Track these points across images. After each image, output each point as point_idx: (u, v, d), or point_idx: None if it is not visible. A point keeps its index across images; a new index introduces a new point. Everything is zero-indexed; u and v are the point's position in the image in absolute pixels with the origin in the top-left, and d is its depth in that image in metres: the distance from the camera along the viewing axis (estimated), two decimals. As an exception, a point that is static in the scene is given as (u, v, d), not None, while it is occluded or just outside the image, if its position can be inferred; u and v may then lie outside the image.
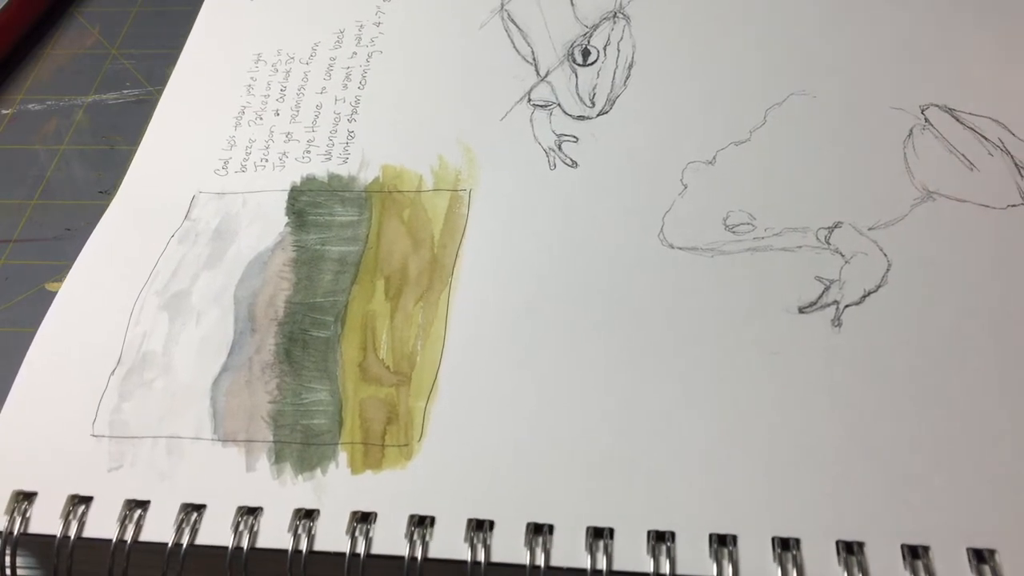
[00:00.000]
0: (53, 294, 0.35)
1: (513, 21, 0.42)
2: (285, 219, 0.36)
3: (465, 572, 0.27)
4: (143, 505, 0.29)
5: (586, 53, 0.40)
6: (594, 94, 0.39)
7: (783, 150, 0.36)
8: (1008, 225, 0.33)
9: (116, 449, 0.31)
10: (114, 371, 0.32)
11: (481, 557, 0.27)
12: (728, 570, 0.27)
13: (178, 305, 0.34)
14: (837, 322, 0.32)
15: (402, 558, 0.28)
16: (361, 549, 0.28)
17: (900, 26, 0.40)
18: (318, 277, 0.34)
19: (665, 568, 0.27)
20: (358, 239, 0.35)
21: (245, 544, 0.28)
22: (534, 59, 0.41)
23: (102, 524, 0.29)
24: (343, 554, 0.28)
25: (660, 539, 0.28)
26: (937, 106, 0.37)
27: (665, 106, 0.38)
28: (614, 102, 0.39)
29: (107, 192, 0.38)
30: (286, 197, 0.37)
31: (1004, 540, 0.27)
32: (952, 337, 0.31)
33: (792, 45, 0.40)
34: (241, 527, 0.29)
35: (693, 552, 0.27)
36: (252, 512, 0.29)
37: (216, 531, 0.29)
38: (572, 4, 0.42)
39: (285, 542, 0.28)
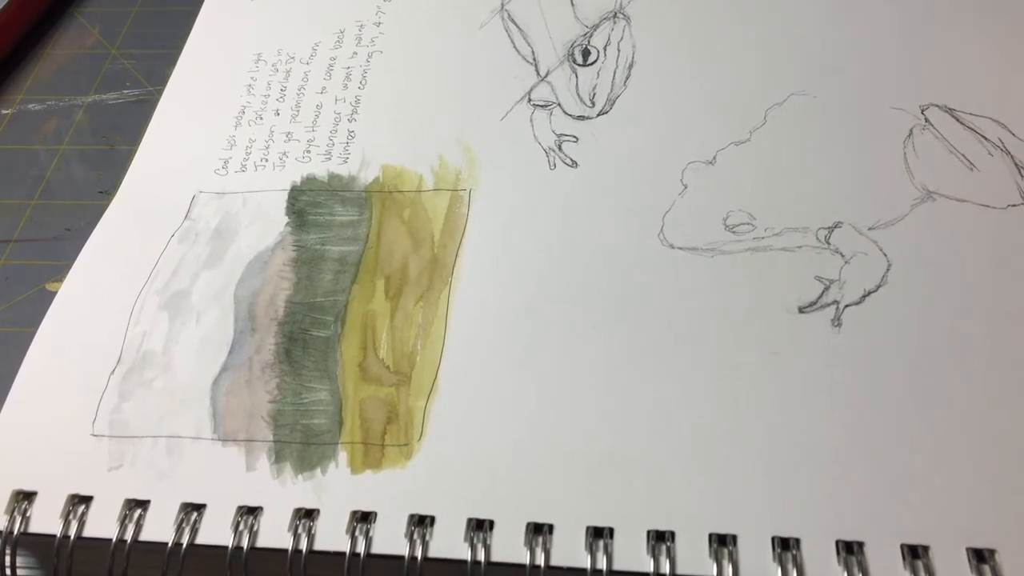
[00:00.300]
0: (53, 294, 0.35)
1: (513, 21, 0.42)
2: (285, 219, 0.36)
3: (465, 572, 0.27)
4: (143, 505, 0.29)
5: (586, 53, 0.40)
6: (594, 94, 0.39)
7: (783, 150, 0.36)
8: (1008, 225, 0.33)
9: (116, 449, 0.31)
10: (114, 371, 0.32)
11: (481, 557, 0.27)
12: (728, 570, 0.27)
13: (178, 305, 0.34)
14: (837, 322, 0.32)
15: (402, 558, 0.28)
16: (361, 549, 0.28)
17: (900, 26, 0.40)
18: (318, 277, 0.34)
19: (665, 568, 0.27)
20: (358, 239, 0.35)
21: (245, 544, 0.28)
22: (534, 59, 0.41)
23: (102, 524, 0.29)
24: (343, 554, 0.28)
25: (660, 539, 0.28)
26: (937, 106, 0.37)
27: (665, 106, 0.38)
28: (614, 102, 0.39)
29: (107, 192, 0.39)
30: (286, 197, 0.37)
31: (1004, 540, 0.27)
32: (952, 337, 0.31)
33: (792, 45, 0.40)
34: (241, 527, 0.29)
35: (693, 552, 0.27)
36: (252, 512, 0.29)
37: (216, 531, 0.29)
38: (572, 4, 0.42)
39: (285, 542, 0.28)
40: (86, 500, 0.30)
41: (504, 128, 0.38)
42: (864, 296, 0.32)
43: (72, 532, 0.29)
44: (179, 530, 0.29)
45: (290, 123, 0.40)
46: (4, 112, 0.45)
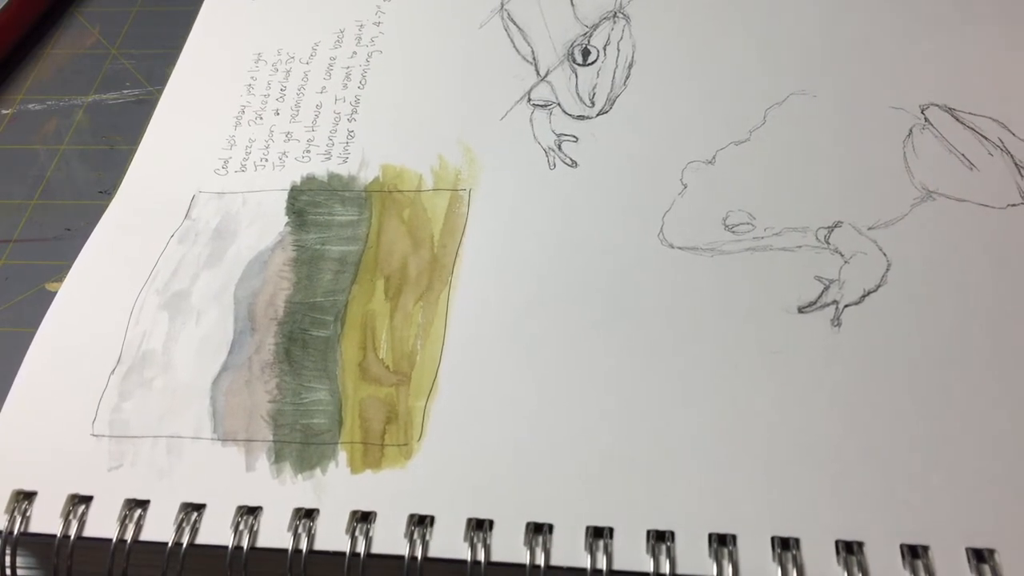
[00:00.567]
0: (53, 294, 0.35)
1: (513, 21, 0.42)
2: (285, 218, 0.36)
3: (465, 572, 0.27)
4: (143, 504, 0.29)
5: (586, 53, 0.40)
6: (594, 94, 0.39)
7: (783, 150, 0.36)
8: (1008, 225, 0.33)
9: (116, 448, 0.31)
10: (114, 370, 0.32)
11: (481, 556, 0.27)
12: (728, 570, 0.27)
13: (178, 304, 0.34)
14: (837, 322, 0.32)
15: (402, 557, 0.28)
16: (361, 548, 0.28)
17: (900, 26, 0.40)
18: (318, 276, 0.34)
19: (665, 568, 0.27)
20: (358, 239, 0.35)
21: (245, 544, 0.28)
22: (534, 59, 0.41)
23: (102, 523, 0.29)
24: (343, 554, 0.28)
25: (660, 539, 0.28)
26: (937, 106, 0.37)
27: (665, 106, 0.38)
28: (614, 102, 0.39)
29: (107, 192, 0.39)
30: (286, 197, 0.37)
31: (1004, 540, 0.27)
32: (952, 337, 0.31)
33: (792, 45, 0.40)
34: (241, 526, 0.29)
35: (693, 552, 0.27)
36: (252, 511, 0.29)
37: (216, 530, 0.29)
38: (572, 4, 0.42)
39: (285, 542, 0.28)
40: (86, 500, 0.30)
41: (504, 128, 0.38)
42: (864, 296, 0.32)
43: (72, 532, 0.29)
44: (179, 530, 0.29)
45: (290, 123, 0.40)
46: (4, 112, 0.45)
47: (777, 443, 0.29)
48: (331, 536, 0.28)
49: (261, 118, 0.40)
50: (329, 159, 0.38)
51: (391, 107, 0.40)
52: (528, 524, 0.28)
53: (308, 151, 0.38)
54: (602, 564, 0.27)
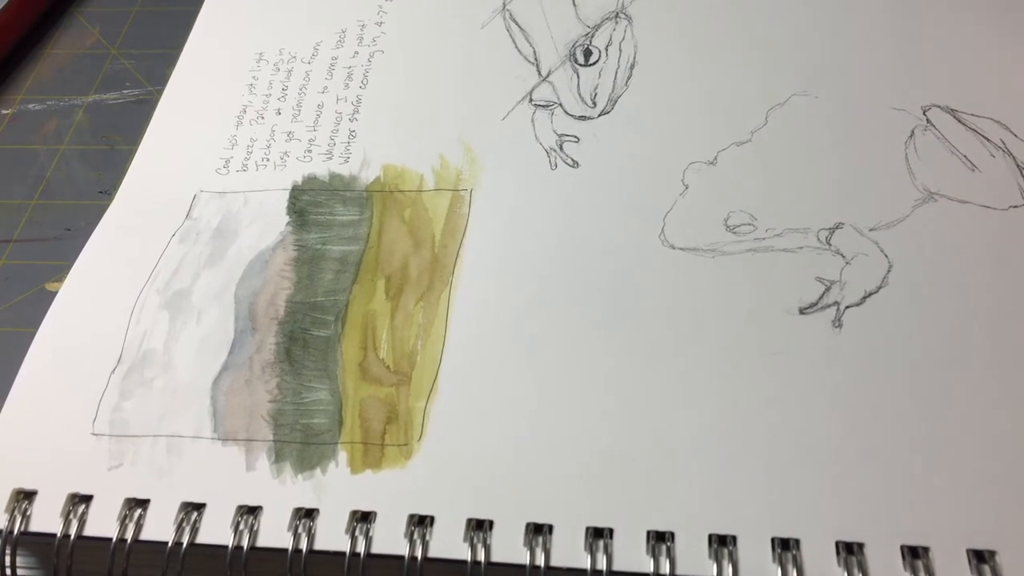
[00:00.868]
0: (53, 294, 0.35)
1: (515, 21, 0.42)
2: (286, 218, 0.36)
3: (465, 572, 0.27)
4: (143, 504, 0.29)
5: (588, 53, 0.40)
6: (595, 94, 0.39)
7: (784, 151, 0.36)
8: (1010, 226, 0.33)
9: (116, 448, 0.31)
10: (114, 370, 0.32)
11: (481, 557, 0.27)
12: (728, 570, 0.27)
13: (179, 304, 0.34)
14: (838, 323, 0.32)
15: (402, 558, 0.28)
16: (361, 548, 0.28)
17: (902, 26, 0.40)
18: (319, 276, 0.34)
19: (665, 568, 0.27)
20: (359, 238, 0.35)
21: (245, 543, 0.28)
22: (536, 59, 0.41)
23: (102, 523, 0.29)
24: (343, 553, 0.28)
25: (660, 539, 0.28)
26: (939, 107, 0.37)
27: (667, 106, 0.38)
28: (616, 102, 0.39)
29: (107, 192, 0.39)
30: (287, 196, 0.37)
31: (1004, 541, 0.27)
32: (953, 338, 0.31)
33: (794, 45, 0.40)
34: (241, 526, 0.29)
35: (693, 552, 0.27)
36: (252, 511, 0.29)
37: (216, 530, 0.29)
38: (574, 4, 0.42)
39: (285, 541, 0.28)
40: (86, 499, 0.30)
41: (505, 128, 0.38)
42: (865, 297, 0.32)
43: (72, 531, 0.29)
44: (179, 529, 0.29)
45: (291, 122, 0.40)
46: (4, 112, 0.45)
47: (778, 444, 0.29)
48: (331, 536, 0.28)
49: (263, 118, 0.40)
50: (330, 159, 0.38)
51: (393, 107, 0.40)
52: (528, 524, 0.28)
53: (309, 151, 0.38)
54: (602, 564, 0.27)
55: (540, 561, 0.27)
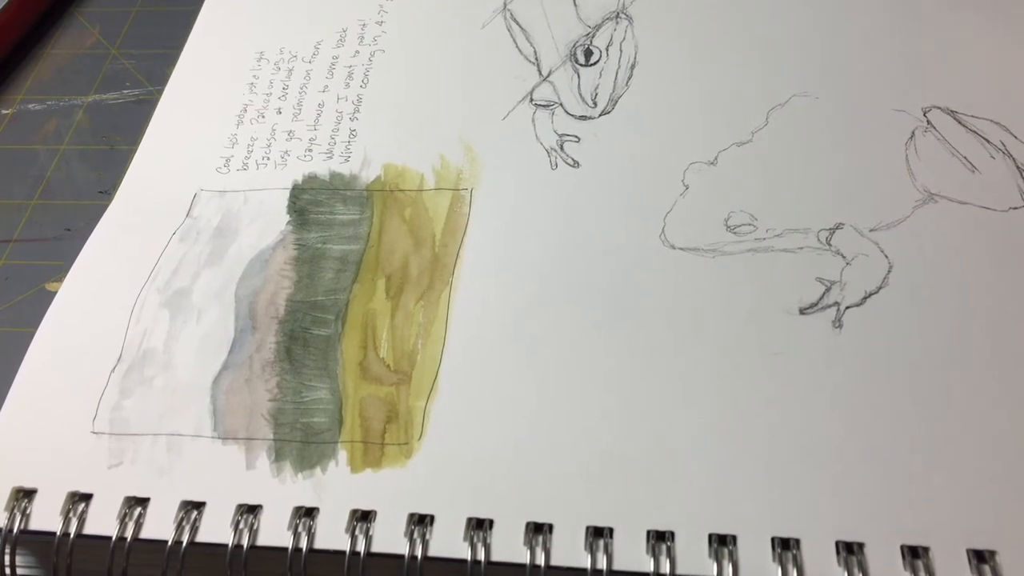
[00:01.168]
0: (53, 294, 0.35)
1: (515, 21, 0.42)
2: (286, 217, 0.36)
3: (465, 571, 0.27)
4: (143, 502, 0.29)
5: (588, 53, 0.40)
6: (596, 94, 0.39)
7: (785, 151, 0.36)
8: (1010, 227, 0.33)
9: (116, 446, 0.31)
10: (114, 368, 0.32)
11: (481, 556, 0.27)
12: (728, 570, 0.27)
13: (179, 303, 0.34)
14: (838, 323, 0.32)
15: (402, 557, 0.28)
16: (361, 547, 0.28)
17: (902, 28, 0.40)
18: (319, 275, 0.34)
19: (665, 568, 0.27)
20: (359, 238, 0.35)
21: (245, 542, 0.28)
22: (536, 59, 0.41)
23: (102, 521, 0.29)
24: (343, 552, 0.28)
25: (660, 539, 0.28)
26: (939, 108, 0.37)
27: (667, 106, 0.38)
28: (616, 102, 0.39)
29: (107, 192, 0.39)
30: (288, 195, 0.37)
31: (1004, 540, 0.27)
32: (953, 339, 0.31)
33: (794, 46, 0.40)
34: (241, 525, 0.29)
35: (693, 552, 0.27)
36: (252, 510, 0.29)
37: (216, 529, 0.29)
38: (575, 4, 0.42)
39: (285, 540, 0.28)
40: (86, 498, 0.30)
41: (506, 128, 0.38)
42: (865, 297, 0.32)
43: (72, 530, 0.29)
44: (179, 528, 0.29)
45: (292, 122, 0.40)
46: (4, 112, 0.45)
47: (778, 444, 0.29)
48: (331, 535, 0.28)
49: (263, 117, 0.40)
50: (331, 158, 0.38)
51: (393, 106, 0.40)
52: (528, 524, 0.28)
53: (310, 150, 0.38)
54: (602, 564, 0.27)
55: (540, 560, 0.27)
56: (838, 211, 0.34)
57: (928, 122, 0.37)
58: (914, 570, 0.26)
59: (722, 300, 0.32)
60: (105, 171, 0.42)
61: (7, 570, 0.29)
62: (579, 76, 0.40)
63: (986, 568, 0.26)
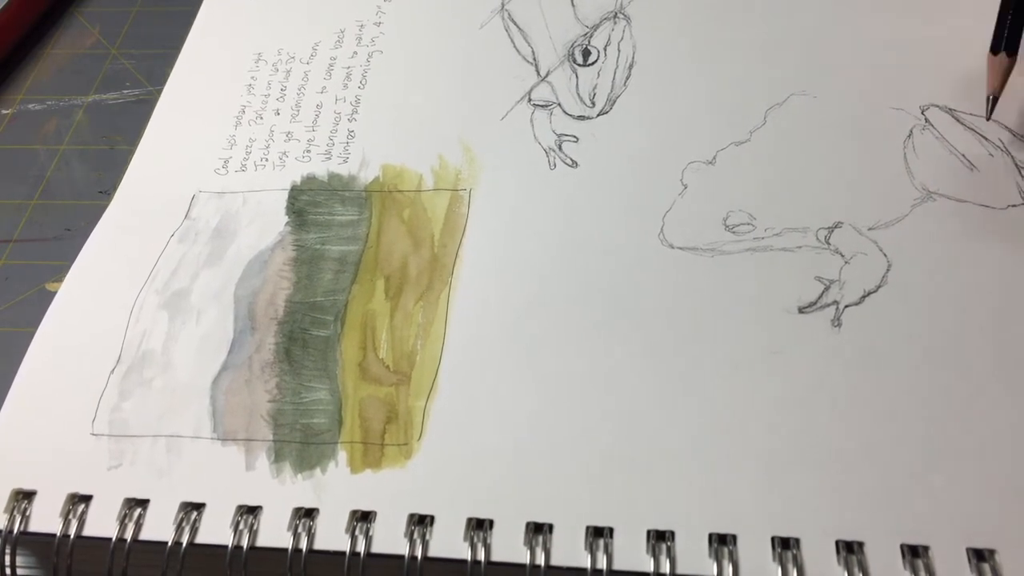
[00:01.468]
0: (53, 294, 0.35)
1: (513, 21, 0.42)
2: (285, 218, 0.36)
3: (465, 571, 0.27)
4: (143, 504, 0.29)
5: (586, 53, 0.40)
6: (594, 94, 0.39)
7: (783, 150, 0.36)
8: (1008, 225, 0.33)
9: (116, 448, 0.31)
10: (114, 370, 0.32)
11: (481, 556, 0.27)
12: (728, 569, 0.27)
13: (178, 304, 0.34)
14: (837, 322, 0.32)
15: (402, 557, 0.28)
16: (361, 548, 0.28)
17: (900, 26, 0.40)
18: (318, 276, 0.34)
19: (665, 567, 0.27)
20: (358, 238, 0.35)
21: (245, 543, 0.28)
22: (534, 59, 0.41)
23: (102, 523, 0.29)
24: (343, 553, 0.28)
25: (660, 538, 0.28)
26: (937, 106, 0.37)
27: (665, 106, 0.38)
28: (614, 102, 0.39)
29: (107, 192, 0.38)
30: (286, 196, 0.37)
31: (1004, 540, 0.27)
32: (952, 337, 0.31)
33: (793, 45, 0.40)
34: (241, 526, 0.29)
35: (693, 551, 0.27)
36: (252, 511, 0.29)
37: (216, 530, 0.29)
38: (572, 4, 0.42)
39: (285, 541, 0.28)
40: (86, 499, 0.30)
41: (504, 128, 0.38)
42: (864, 296, 0.32)
43: (72, 531, 0.29)
44: (179, 529, 0.29)
45: (290, 123, 0.40)
46: (4, 112, 0.45)
47: (777, 443, 0.29)
48: (331, 536, 0.28)
49: (261, 118, 0.40)
50: (329, 159, 0.38)
51: (391, 107, 0.40)
52: (528, 524, 0.28)
53: (308, 151, 0.38)
54: (602, 564, 0.27)
55: (540, 560, 0.27)
56: (837, 210, 0.34)
57: (926, 120, 0.37)
58: (914, 569, 0.26)
59: (721, 299, 0.32)
60: (105, 171, 0.42)
61: (7, 571, 0.29)
62: (577, 76, 0.40)
63: (986, 567, 0.26)
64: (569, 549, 0.28)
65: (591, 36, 0.41)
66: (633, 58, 0.40)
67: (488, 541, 0.28)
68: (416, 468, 0.29)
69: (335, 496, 0.29)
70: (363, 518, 0.29)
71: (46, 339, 0.34)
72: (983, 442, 0.29)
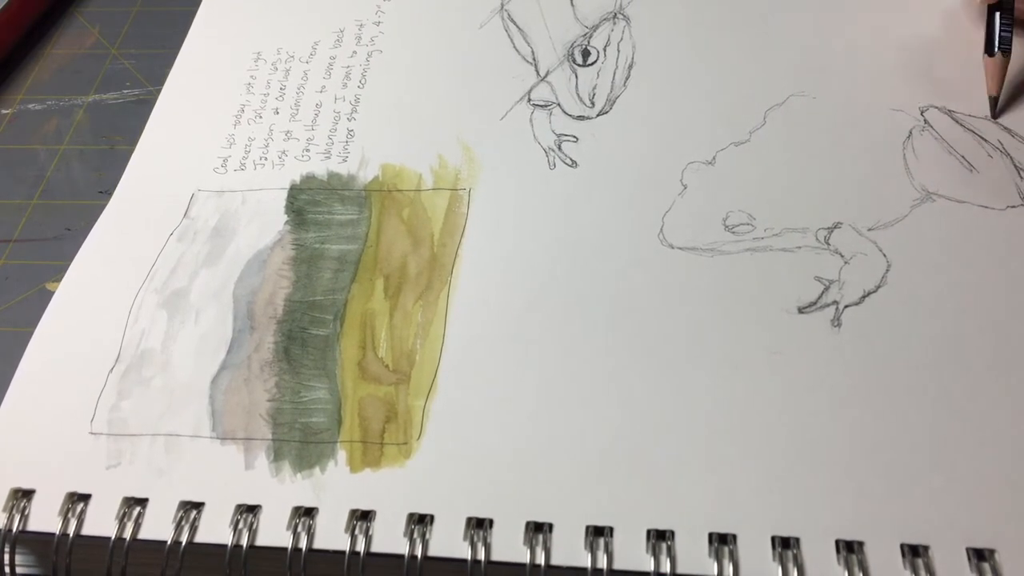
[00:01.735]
0: (53, 294, 0.35)
1: (513, 21, 0.42)
2: (284, 217, 0.36)
3: (465, 571, 0.27)
4: (142, 503, 0.29)
5: (586, 53, 0.40)
6: (594, 94, 0.39)
7: (783, 151, 0.36)
8: (1007, 226, 0.33)
9: (114, 447, 0.31)
10: (112, 369, 0.32)
11: (481, 555, 0.27)
12: (728, 569, 0.27)
13: (177, 303, 0.34)
14: (837, 322, 0.32)
15: (402, 556, 0.28)
16: (360, 547, 0.28)
17: (900, 27, 0.40)
18: (317, 275, 0.34)
19: (665, 567, 0.27)
20: (357, 237, 0.35)
21: (244, 542, 0.28)
22: (534, 59, 0.41)
23: (101, 522, 0.29)
24: (343, 552, 0.28)
25: (660, 537, 0.28)
26: (937, 107, 0.37)
27: (665, 107, 0.38)
28: (614, 102, 0.39)
29: (107, 192, 0.38)
30: (285, 195, 0.37)
31: (1004, 540, 0.27)
32: (951, 337, 0.31)
33: (792, 46, 0.40)
34: (240, 525, 0.29)
35: (693, 551, 0.27)
36: (251, 510, 0.29)
37: (215, 529, 0.29)
38: (572, 4, 0.42)
39: (284, 540, 0.28)
40: (84, 498, 0.30)
41: (504, 128, 0.38)
42: (864, 296, 0.32)
43: (71, 530, 0.29)
44: (178, 528, 0.29)
45: (289, 122, 0.40)
46: (4, 112, 0.45)
47: (777, 443, 0.29)
48: (330, 535, 0.28)
49: (261, 117, 0.40)
50: (329, 158, 0.38)
51: (391, 106, 0.40)
52: (528, 523, 0.28)
53: (308, 150, 0.38)
54: (602, 563, 0.27)
55: (540, 560, 0.27)
56: (836, 210, 0.34)
57: (926, 121, 0.37)
58: (914, 569, 0.26)
59: (721, 300, 0.32)
60: (105, 171, 0.42)
61: (6, 570, 0.29)
62: (577, 76, 0.40)
63: (986, 567, 0.26)
64: (569, 549, 0.27)
65: (591, 36, 0.41)
66: (633, 58, 0.40)
67: (488, 540, 0.28)
68: (416, 467, 0.29)
69: (334, 495, 0.29)
70: (363, 517, 0.29)
71: (45, 338, 0.34)
72: (983, 442, 0.29)
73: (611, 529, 0.28)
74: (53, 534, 0.29)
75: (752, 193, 0.35)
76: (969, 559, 0.26)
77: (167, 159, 0.39)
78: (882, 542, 0.27)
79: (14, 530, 0.29)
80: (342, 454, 0.30)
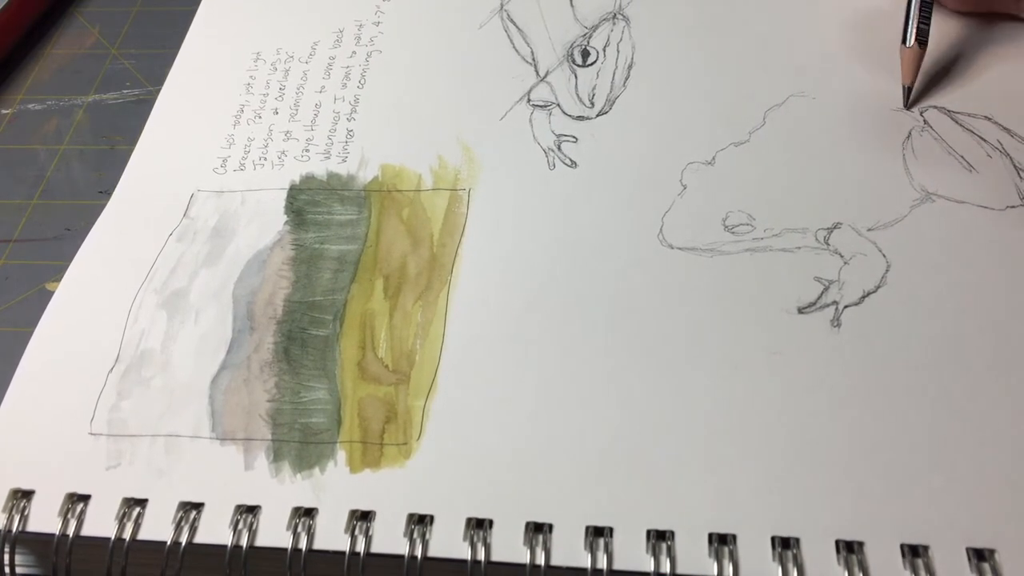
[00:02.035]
0: (53, 294, 0.35)
1: (513, 21, 0.42)
2: (284, 217, 0.36)
3: (465, 571, 0.27)
4: (141, 503, 0.29)
5: (585, 54, 0.40)
6: (593, 95, 0.39)
7: (782, 151, 0.36)
8: (1007, 226, 0.33)
9: (114, 447, 0.31)
10: (112, 369, 0.32)
11: (481, 556, 0.27)
12: (728, 569, 0.27)
13: (176, 303, 0.34)
14: (836, 323, 0.32)
15: (401, 557, 0.28)
16: (360, 548, 0.28)
17: (899, 27, 0.40)
18: (317, 275, 0.34)
19: (665, 567, 0.27)
20: (357, 238, 0.35)
21: (244, 543, 0.28)
22: (534, 59, 0.41)
23: (100, 522, 0.29)
24: (342, 553, 0.28)
25: (660, 538, 0.28)
26: (936, 108, 0.37)
27: (665, 107, 0.38)
28: (613, 103, 0.39)
29: (107, 192, 0.38)
30: (285, 195, 0.37)
31: (1004, 540, 0.27)
32: (951, 337, 0.31)
33: (791, 46, 0.40)
34: (240, 525, 0.29)
35: (693, 551, 0.27)
36: (251, 510, 0.29)
37: (215, 529, 0.29)
38: (572, 5, 0.42)
39: (284, 540, 0.28)
40: (84, 499, 0.29)
41: (503, 128, 0.38)
42: (863, 297, 0.32)
43: (71, 531, 0.29)
44: (178, 529, 0.29)
45: (289, 122, 0.40)
46: (4, 112, 0.45)
47: (777, 443, 0.29)
48: (330, 535, 0.28)
49: (260, 117, 0.40)
50: (328, 158, 0.38)
51: (390, 107, 0.40)
52: (528, 524, 0.28)
53: (307, 150, 0.38)
54: (602, 564, 0.27)
55: (540, 560, 0.27)
56: (836, 211, 0.34)
57: (925, 121, 0.37)
58: (914, 569, 0.26)
59: (720, 300, 0.32)
60: (105, 171, 0.42)
61: (6, 570, 0.29)
62: (576, 77, 0.40)
63: (986, 567, 0.26)
64: (569, 549, 0.27)
65: (590, 37, 0.41)
66: (632, 59, 0.40)
67: (488, 541, 0.28)
68: (415, 467, 0.29)
69: (334, 495, 0.29)
70: (362, 518, 0.29)
71: (44, 338, 0.34)
72: (983, 442, 0.29)
73: (611, 529, 0.28)
74: (53, 534, 0.29)
75: (752, 193, 0.35)
76: (969, 559, 0.26)
77: (167, 159, 0.39)
78: (882, 542, 0.27)
79: (14, 530, 0.29)
80: (342, 454, 0.30)
